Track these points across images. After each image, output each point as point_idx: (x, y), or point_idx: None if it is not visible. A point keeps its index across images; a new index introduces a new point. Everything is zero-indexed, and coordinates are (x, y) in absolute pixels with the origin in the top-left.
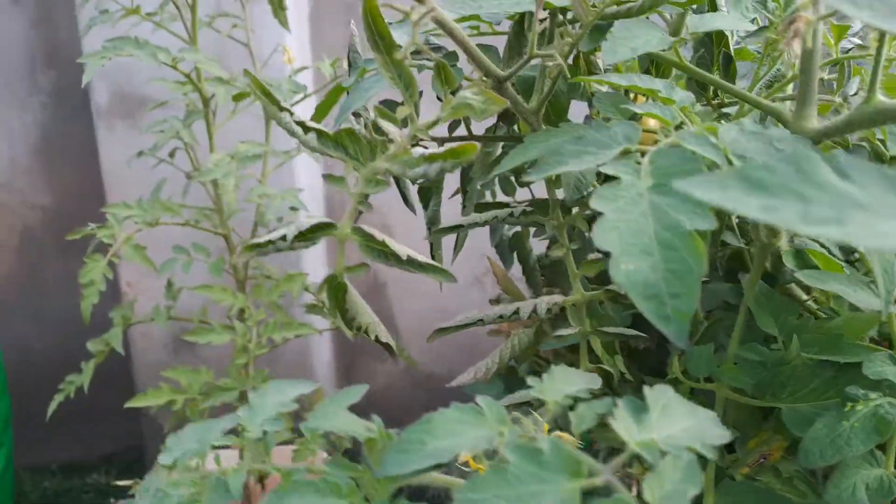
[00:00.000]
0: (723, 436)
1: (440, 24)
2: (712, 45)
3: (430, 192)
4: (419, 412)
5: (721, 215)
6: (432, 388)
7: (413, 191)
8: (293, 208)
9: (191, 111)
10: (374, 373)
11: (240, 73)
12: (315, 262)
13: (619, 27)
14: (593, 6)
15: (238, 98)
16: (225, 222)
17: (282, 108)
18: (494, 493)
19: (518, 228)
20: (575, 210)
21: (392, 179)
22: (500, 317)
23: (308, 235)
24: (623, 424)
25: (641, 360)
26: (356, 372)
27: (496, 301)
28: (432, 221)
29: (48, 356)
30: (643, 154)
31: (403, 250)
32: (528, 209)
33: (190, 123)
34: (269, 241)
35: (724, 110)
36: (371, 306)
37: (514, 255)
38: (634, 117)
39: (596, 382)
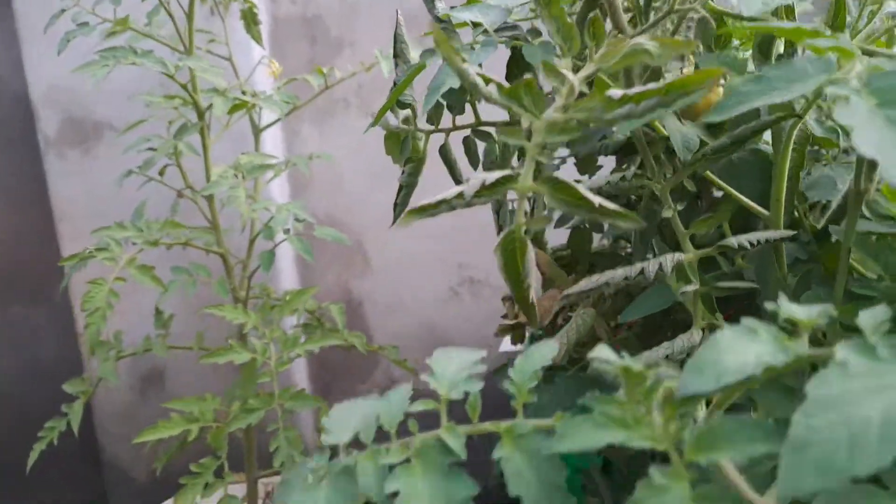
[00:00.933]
0: None
1: None
2: None
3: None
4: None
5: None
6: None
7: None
8: (298, 220)
9: (184, 125)
10: (353, 392)
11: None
12: (291, 281)
13: None
14: None
15: (234, 110)
16: (221, 241)
17: (464, 60)
18: (841, 388)
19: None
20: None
21: (446, 165)
22: (626, 278)
23: (488, 191)
24: None
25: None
26: (334, 392)
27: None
28: (500, 203)
29: None
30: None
31: (595, 198)
32: (639, 171)
33: (181, 137)
34: (443, 201)
35: None
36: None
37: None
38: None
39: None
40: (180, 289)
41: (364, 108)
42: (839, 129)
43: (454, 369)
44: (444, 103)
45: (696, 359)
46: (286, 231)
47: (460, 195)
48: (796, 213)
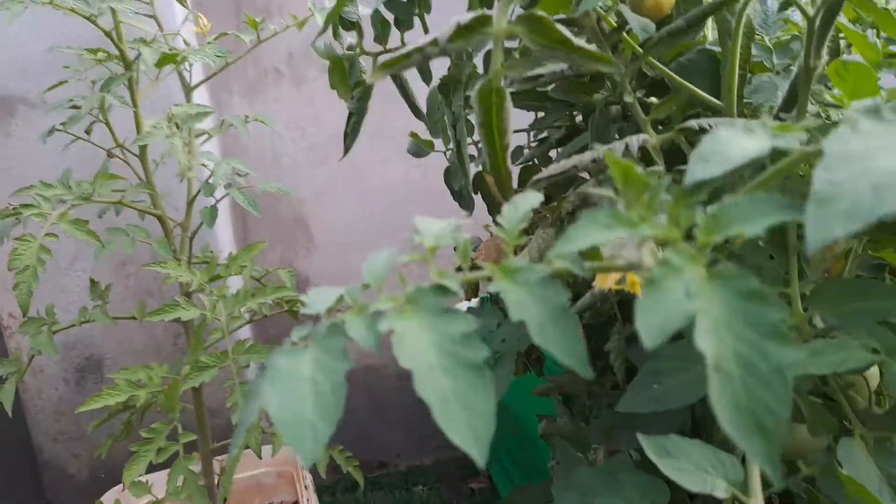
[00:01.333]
0: None
1: None
2: None
3: (449, 90)
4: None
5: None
6: (367, 365)
7: (421, 98)
8: (239, 174)
9: (111, 77)
10: None
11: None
12: (227, 246)
13: None
14: None
15: (163, 62)
16: (158, 201)
17: None
18: (858, 144)
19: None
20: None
21: (397, 86)
22: (594, 161)
23: (462, 35)
24: None
25: None
26: None
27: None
28: (457, 119)
29: None
30: None
31: (576, 39)
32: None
33: (108, 89)
34: (417, 49)
35: None
36: None
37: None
38: None
39: None
40: (114, 268)
41: (296, 79)
42: (771, 49)
43: (439, 227)
44: (391, 21)
45: (698, 151)
46: (227, 186)
47: (434, 42)
48: (744, 114)
